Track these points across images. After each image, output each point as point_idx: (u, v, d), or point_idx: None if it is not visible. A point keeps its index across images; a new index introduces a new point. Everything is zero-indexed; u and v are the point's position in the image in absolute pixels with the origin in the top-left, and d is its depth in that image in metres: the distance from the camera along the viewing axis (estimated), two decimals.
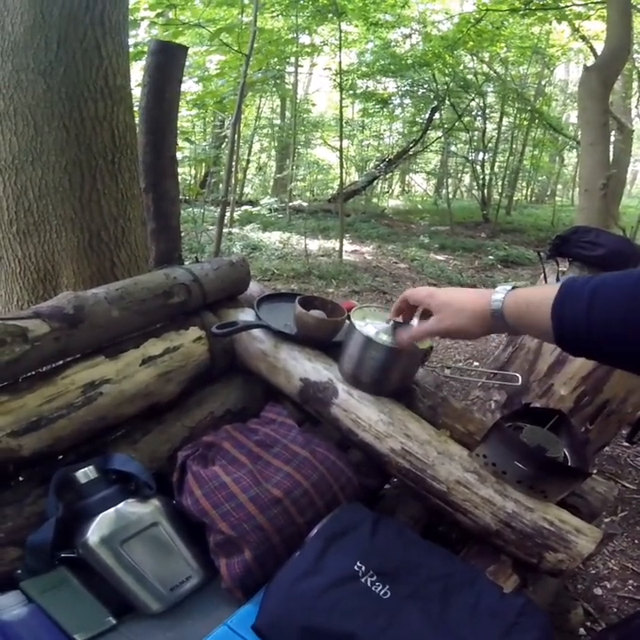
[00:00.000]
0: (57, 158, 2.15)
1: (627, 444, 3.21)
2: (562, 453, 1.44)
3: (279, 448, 1.54)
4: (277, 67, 11.42)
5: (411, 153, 15.64)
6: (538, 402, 2.06)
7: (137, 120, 2.34)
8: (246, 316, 1.87)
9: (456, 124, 13.89)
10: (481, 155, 15.00)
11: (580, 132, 7.89)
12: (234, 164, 9.27)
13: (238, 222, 10.97)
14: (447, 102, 13.21)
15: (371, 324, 1.51)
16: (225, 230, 8.25)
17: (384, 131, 18.27)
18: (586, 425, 2.13)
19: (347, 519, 1.37)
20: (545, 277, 2.39)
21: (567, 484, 1.40)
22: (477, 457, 1.44)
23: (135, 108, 2.37)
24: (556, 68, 16.90)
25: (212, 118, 13.63)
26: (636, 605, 2.21)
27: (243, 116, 13.10)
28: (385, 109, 14.98)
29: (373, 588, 1.22)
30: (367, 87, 14.46)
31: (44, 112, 2.11)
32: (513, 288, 1.06)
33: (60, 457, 1.51)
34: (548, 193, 22.75)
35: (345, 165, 13.51)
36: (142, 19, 5.20)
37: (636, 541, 2.57)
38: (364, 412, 1.53)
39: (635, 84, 12.53)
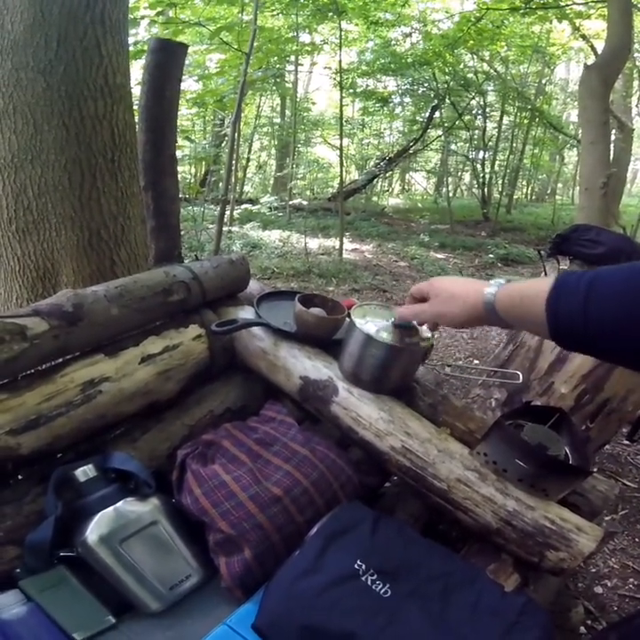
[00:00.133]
0: (56, 156, 2.15)
1: (627, 442, 3.20)
2: (563, 452, 1.44)
3: (279, 446, 1.54)
4: (277, 65, 11.41)
5: (411, 151, 15.63)
6: (538, 400, 2.06)
7: (137, 118, 2.34)
8: (246, 313, 1.87)
9: (456, 122, 13.89)
10: (481, 153, 15.01)
11: (580, 131, 7.89)
12: (234, 162, 9.26)
13: (238, 221, 10.97)
14: (447, 101, 13.21)
15: (371, 322, 1.51)
16: (225, 229, 8.24)
17: (384, 129, 18.26)
18: (586, 423, 2.13)
19: (347, 518, 1.37)
20: (545, 275, 2.39)
21: (568, 483, 1.40)
22: (478, 455, 1.44)
23: (135, 107, 2.37)
24: (557, 66, 16.88)
25: (212, 117, 13.64)
26: (636, 604, 2.21)
27: (243, 115, 13.09)
28: (385, 108, 14.98)
29: (374, 587, 1.21)
30: (367, 86, 14.47)
31: (43, 110, 2.10)
32: (508, 282, 1.06)
33: (59, 455, 1.50)
34: (549, 191, 22.74)
35: (345, 164, 13.50)
36: (142, 17, 5.20)
37: (637, 540, 2.56)
38: (364, 410, 1.53)
39: (635, 83, 12.52)
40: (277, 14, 10.40)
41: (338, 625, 1.14)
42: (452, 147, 15.85)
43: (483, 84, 13.24)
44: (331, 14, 9.21)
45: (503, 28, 11.29)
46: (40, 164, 2.15)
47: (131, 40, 4.77)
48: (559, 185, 22.10)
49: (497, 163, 15.18)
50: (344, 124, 10.65)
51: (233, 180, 10.69)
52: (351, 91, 13.55)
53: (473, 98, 13.66)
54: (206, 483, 1.41)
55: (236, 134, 7.96)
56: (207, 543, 1.41)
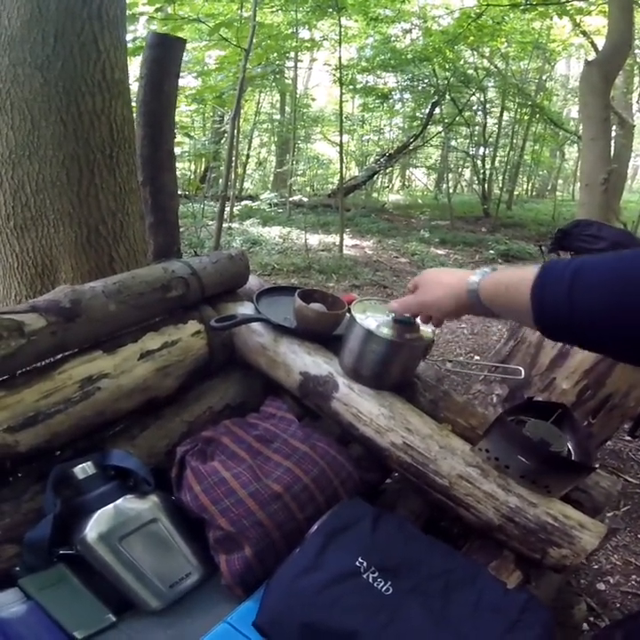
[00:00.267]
0: (54, 152, 2.14)
1: (629, 438, 3.20)
2: (565, 448, 1.43)
3: (279, 443, 1.53)
4: (277, 62, 11.38)
5: (411, 148, 15.63)
6: (540, 396, 2.05)
7: (135, 114, 2.33)
8: (245, 309, 1.86)
9: (456, 118, 13.86)
10: (481, 149, 14.98)
11: (580, 127, 7.88)
12: (233, 159, 9.26)
13: (238, 217, 10.96)
14: (447, 97, 13.18)
15: (371, 317, 1.50)
16: (225, 225, 8.23)
17: (384, 125, 18.24)
18: (588, 419, 2.12)
19: (347, 515, 1.36)
20: None
21: (571, 479, 1.39)
22: (480, 451, 1.43)
23: (133, 104, 2.36)
24: (557, 63, 16.86)
25: (211, 113, 13.60)
26: (639, 601, 2.20)
27: (242, 111, 13.08)
28: (385, 104, 14.96)
29: (375, 585, 1.20)
30: (367, 82, 14.45)
31: (41, 106, 2.09)
32: (493, 270, 1.05)
33: (58, 453, 1.50)
34: (549, 188, 22.73)
35: (345, 160, 13.46)
36: (141, 14, 5.18)
37: (639, 536, 2.56)
38: (364, 406, 1.52)
39: (636, 79, 12.49)
40: (277, 10, 10.40)
41: (339, 622, 1.13)
42: (453, 143, 15.83)
43: (483, 80, 13.22)
44: (330, 10, 9.18)
45: (503, 25, 11.29)
46: (38, 160, 2.14)
47: (129, 37, 4.76)
48: (560, 181, 22.08)
49: (497, 159, 15.17)
50: (344, 120, 10.62)
51: (233, 176, 10.68)
52: (351, 87, 13.53)
53: (473, 94, 13.63)
54: (206, 480, 1.41)
55: (236, 131, 7.95)
56: (207, 540, 1.40)
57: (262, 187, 17.40)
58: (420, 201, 17.67)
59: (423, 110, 14.69)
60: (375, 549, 1.28)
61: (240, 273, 1.95)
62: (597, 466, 1.43)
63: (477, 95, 13.80)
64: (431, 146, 17.38)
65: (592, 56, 9.29)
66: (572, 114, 18.21)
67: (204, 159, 12.63)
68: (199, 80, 8.47)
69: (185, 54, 2.28)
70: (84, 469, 1.38)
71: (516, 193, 17.87)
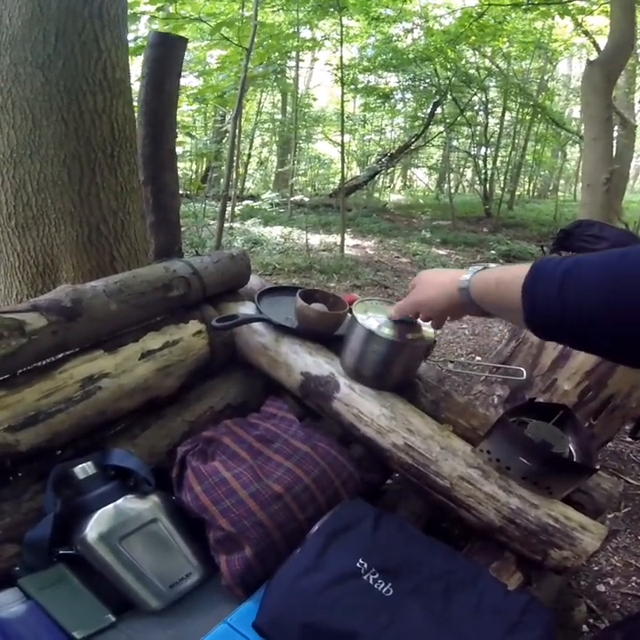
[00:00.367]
0: (56, 151, 2.14)
1: (630, 439, 3.19)
2: (567, 449, 1.43)
3: (280, 443, 1.53)
4: (278, 61, 11.38)
5: (412, 147, 15.60)
6: (541, 397, 2.05)
7: (136, 113, 2.33)
8: (247, 309, 1.85)
9: (458, 118, 13.84)
10: (483, 149, 14.95)
11: (582, 127, 7.88)
12: (235, 158, 9.25)
13: (239, 217, 10.96)
14: (449, 97, 13.16)
15: (373, 318, 1.49)
16: (226, 225, 8.23)
17: (385, 125, 18.22)
18: (590, 420, 2.12)
19: (348, 515, 1.36)
20: None
21: (573, 481, 1.38)
22: (481, 452, 1.43)
23: (135, 103, 2.35)
24: (559, 62, 16.85)
25: (212, 113, 13.60)
26: (639, 602, 2.19)
27: (244, 111, 13.07)
28: (386, 104, 14.93)
29: (375, 586, 1.20)
30: (368, 82, 14.43)
31: (42, 105, 2.09)
32: (484, 268, 1.05)
33: (59, 452, 1.50)
34: (551, 188, 22.70)
35: (346, 160, 13.46)
36: (142, 13, 5.18)
37: (639, 538, 2.56)
38: (365, 407, 1.52)
39: (638, 79, 12.48)
40: (278, 10, 10.38)
41: (339, 623, 1.13)
42: (454, 143, 15.82)
43: (485, 80, 13.21)
44: (332, 10, 9.17)
45: (505, 24, 11.28)
46: (39, 160, 2.13)
47: (131, 36, 4.77)
48: (561, 181, 22.05)
49: (499, 159, 15.16)
50: (345, 120, 10.62)
51: (234, 176, 10.67)
52: (352, 87, 13.51)
53: (475, 94, 13.61)
54: (206, 480, 1.40)
55: (237, 130, 7.95)
56: (207, 541, 1.40)
57: (264, 186, 17.39)
58: (421, 201, 17.66)
59: (425, 110, 14.67)
60: (376, 550, 1.28)
61: (241, 273, 1.95)
62: (599, 467, 1.43)
63: (479, 95, 13.79)
64: (433, 146, 17.35)
65: (594, 56, 9.28)
66: (573, 114, 18.23)
67: (205, 159, 12.61)
68: (201, 79, 8.47)
69: (186, 54, 2.28)
70: (84, 469, 1.38)
71: (517, 193, 17.84)
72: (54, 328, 1.43)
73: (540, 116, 14.25)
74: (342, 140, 9.58)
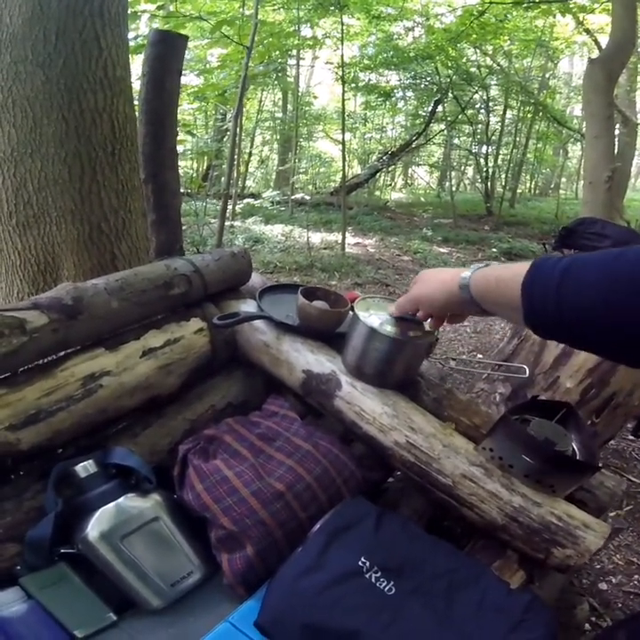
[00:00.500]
0: (56, 150, 2.14)
1: (632, 437, 3.19)
2: (570, 447, 1.42)
3: (281, 441, 1.52)
4: (279, 60, 11.37)
5: (414, 146, 15.60)
6: (543, 394, 2.04)
7: (137, 112, 2.32)
8: (248, 307, 1.85)
9: (459, 116, 13.84)
10: (484, 147, 14.93)
11: (584, 125, 7.87)
12: (236, 157, 9.25)
13: (240, 215, 10.97)
14: (450, 95, 13.15)
15: (374, 315, 1.49)
16: (227, 223, 8.24)
17: (386, 123, 18.21)
18: (592, 418, 2.12)
19: (350, 514, 1.36)
20: None
21: (576, 479, 1.38)
22: (484, 450, 1.42)
23: (135, 102, 2.35)
24: (560, 61, 16.83)
25: (213, 111, 13.60)
26: None
27: (244, 109, 13.08)
28: (387, 102, 14.91)
29: (377, 584, 1.20)
30: (369, 80, 14.42)
31: (42, 104, 2.09)
32: (486, 265, 1.04)
33: (60, 451, 1.49)
34: (552, 186, 22.68)
35: (347, 158, 13.47)
36: (143, 11, 5.18)
37: None
38: (367, 405, 1.51)
39: (639, 78, 12.49)
40: (279, 8, 10.37)
41: (341, 623, 1.12)
42: (455, 141, 15.81)
43: (486, 78, 13.19)
44: (332, 8, 9.18)
45: (506, 22, 11.27)
46: (40, 158, 2.13)
47: (131, 35, 4.76)
48: (563, 179, 22.05)
49: (500, 157, 15.14)
50: (346, 118, 10.63)
51: (235, 174, 10.66)
52: (353, 85, 13.49)
53: (476, 92, 13.60)
54: (208, 478, 1.40)
55: (238, 129, 7.96)
56: (209, 539, 1.39)
57: (264, 185, 17.42)
58: (422, 199, 17.67)
59: (426, 108, 14.67)
60: (378, 549, 1.27)
61: (243, 270, 1.94)
62: (601, 465, 1.42)
63: (480, 93, 13.77)
64: (434, 144, 17.35)
65: (595, 54, 9.28)
66: (575, 112, 18.19)
67: (206, 157, 12.63)
68: (201, 78, 8.47)
69: (187, 52, 2.27)
70: (85, 468, 1.37)
71: (518, 191, 17.84)
72: (55, 326, 1.42)
73: (541, 114, 14.24)
74: (343, 139, 9.58)
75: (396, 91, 14.55)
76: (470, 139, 15.55)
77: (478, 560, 1.37)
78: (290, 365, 1.67)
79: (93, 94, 2.15)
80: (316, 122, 16.26)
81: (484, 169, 14.57)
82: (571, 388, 2.10)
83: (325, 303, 1.70)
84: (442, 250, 9.41)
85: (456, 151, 17.06)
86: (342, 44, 9.08)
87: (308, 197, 11.63)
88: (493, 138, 14.69)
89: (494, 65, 13.34)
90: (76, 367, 1.48)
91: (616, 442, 3.20)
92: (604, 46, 7.74)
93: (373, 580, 1.21)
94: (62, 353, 1.52)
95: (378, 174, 16.20)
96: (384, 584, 1.20)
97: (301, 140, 15.49)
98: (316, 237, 9.46)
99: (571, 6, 10.06)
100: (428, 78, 13.35)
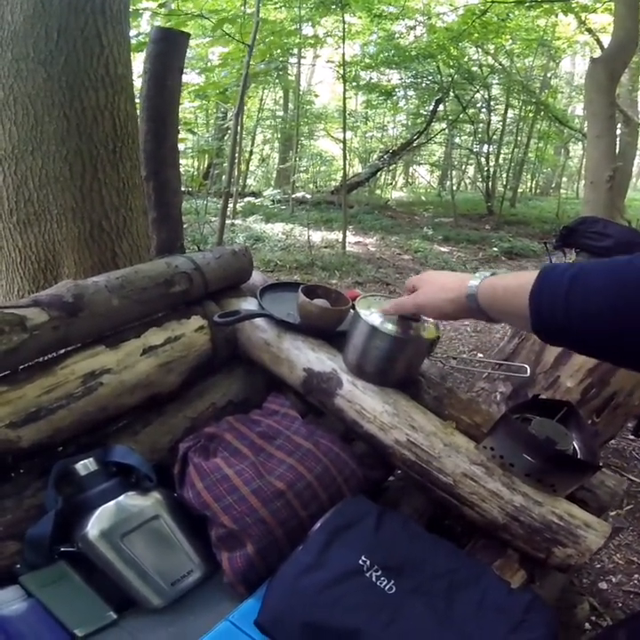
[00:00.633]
0: (57, 148, 2.13)
1: (632, 436, 3.19)
2: (571, 446, 1.42)
3: (282, 440, 1.52)
4: (280, 58, 11.37)
5: (415, 145, 15.60)
6: (544, 394, 2.04)
7: (138, 110, 2.32)
8: (249, 305, 1.84)
9: (460, 115, 13.84)
10: (485, 147, 14.94)
11: (585, 125, 7.87)
12: (237, 155, 9.25)
13: (241, 214, 10.98)
14: (452, 94, 13.15)
15: (375, 313, 1.48)
16: (228, 222, 8.24)
17: (388, 122, 18.21)
18: (593, 417, 2.11)
19: (351, 512, 1.35)
20: None
21: (577, 478, 1.38)
22: (484, 449, 1.42)
23: (137, 100, 2.35)
24: (562, 60, 16.83)
25: (214, 110, 13.60)
26: None
27: (245, 108, 13.07)
28: (389, 101, 14.92)
29: (378, 583, 1.20)
30: (371, 79, 14.42)
31: (44, 101, 2.09)
32: (492, 274, 1.04)
33: (60, 448, 1.49)
34: (553, 185, 22.70)
35: (348, 157, 13.48)
36: (145, 9, 5.18)
37: None
38: (368, 403, 1.51)
39: None
40: (280, 7, 10.38)
41: (341, 621, 1.12)
42: (456, 140, 15.82)
43: (487, 77, 13.20)
44: (334, 7, 9.18)
45: (508, 22, 11.28)
46: (41, 156, 2.13)
47: (133, 33, 4.76)
48: (564, 179, 22.07)
49: (501, 156, 15.15)
50: (347, 117, 10.63)
51: (236, 172, 10.67)
52: (354, 84, 13.50)
53: (477, 91, 13.60)
54: (208, 476, 1.40)
55: (239, 127, 7.95)
56: (209, 538, 1.39)
57: (265, 183, 17.42)
58: (423, 198, 17.67)
59: (427, 107, 14.68)
60: (379, 548, 1.27)
61: (243, 268, 1.94)
62: (602, 465, 1.42)
63: (482, 92, 13.78)
64: (435, 143, 17.35)
65: (597, 54, 9.28)
66: (576, 111, 18.20)
67: (207, 155, 12.63)
68: (202, 76, 8.47)
69: (188, 51, 2.28)
70: (85, 466, 1.37)
71: (519, 190, 17.85)
72: (56, 323, 1.42)
73: (542, 113, 14.25)
74: (344, 137, 9.59)
75: (397, 89, 14.55)
76: (471, 138, 15.57)
77: (479, 559, 1.37)
78: (290, 364, 1.67)
79: (95, 92, 2.15)
80: (317, 120, 16.25)
81: (485, 168, 14.58)
82: (571, 387, 2.10)
83: (326, 301, 1.70)
84: (442, 249, 9.42)
85: (457, 150, 17.06)
86: (344, 42, 9.08)
87: (308, 196, 11.64)
88: (494, 137, 14.69)
89: (496, 64, 13.35)
90: (76, 365, 1.47)
91: (616, 441, 3.20)
92: (606, 46, 7.73)
93: (374, 578, 1.20)
94: (63, 350, 1.52)
95: (379, 173, 16.19)
96: (384, 583, 1.20)
97: (302, 138, 15.49)
98: (317, 236, 9.46)
99: (573, 6, 10.07)
100: (430, 77, 13.36)
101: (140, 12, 5.07)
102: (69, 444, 1.50)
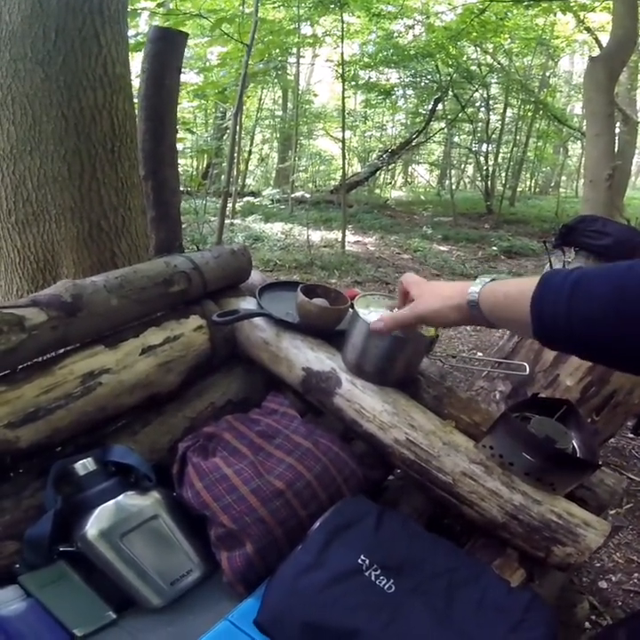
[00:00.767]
0: (56, 147, 2.13)
1: (632, 435, 3.19)
2: (571, 445, 1.42)
3: (281, 439, 1.52)
4: (279, 58, 11.39)
5: (414, 144, 15.61)
6: (543, 393, 2.04)
7: (137, 109, 2.32)
8: (248, 304, 1.84)
9: (459, 115, 13.86)
10: (484, 146, 14.96)
11: (584, 123, 7.87)
12: (235, 155, 9.25)
13: (240, 213, 10.98)
14: (450, 93, 13.17)
15: (374, 312, 1.48)
16: (227, 221, 8.24)
17: (387, 122, 18.24)
18: (592, 416, 2.11)
19: (350, 512, 1.35)
20: (551, 267, 2.37)
21: (576, 477, 1.38)
22: (484, 448, 1.42)
23: (135, 100, 2.35)
24: (561, 59, 16.84)
25: (213, 109, 13.61)
26: None
27: (244, 108, 13.09)
28: (388, 100, 14.93)
29: (377, 582, 1.19)
30: (369, 78, 14.43)
31: (42, 101, 2.09)
32: (492, 279, 1.04)
33: (59, 449, 1.48)
34: (552, 184, 22.72)
35: (347, 156, 13.48)
36: (143, 9, 5.17)
37: None
38: (367, 402, 1.51)
39: None
40: (279, 6, 10.37)
41: (340, 621, 1.12)
42: (455, 139, 15.85)
43: (486, 76, 13.21)
44: (332, 6, 9.18)
45: (507, 21, 11.29)
46: (39, 155, 2.13)
47: (131, 32, 4.76)
48: (563, 177, 22.09)
49: (500, 155, 15.17)
50: (346, 116, 10.64)
51: (235, 172, 10.67)
52: (353, 83, 13.50)
53: (476, 90, 13.62)
54: (207, 476, 1.40)
55: (238, 127, 7.95)
56: (208, 537, 1.39)
57: (264, 183, 17.43)
58: (422, 197, 17.67)
59: (426, 106, 14.68)
60: (378, 547, 1.27)
61: (242, 268, 1.94)
62: (601, 463, 1.42)
63: (480, 91, 13.79)
64: (434, 142, 17.38)
65: (596, 52, 9.27)
66: (575, 110, 18.23)
67: (206, 155, 12.62)
68: (201, 76, 8.47)
69: (187, 50, 2.27)
70: (84, 465, 1.37)
71: (519, 189, 17.86)
72: (54, 323, 1.42)
73: (541, 112, 14.25)
74: (343, 137, 9.60)
75: (396, 89, 14.57)
76: (470, 137, 15.59)
77: (478, 558, 1.36)
78: (289, 363, 1.66)
79: (93, 91, 2.15)
80: (316, 120, 16.27)
81: (484, 167, 14.58)
82: (571, 385, 2.10)
83: (325, 300, 1.69)
84: (442, 248, 9.42)
85: (456, 149, 17.08)
86: (342, 41, 9.10)
87: (307, 195, 11.65)
88: (493, 136, 14.71)
89: (495, 63, 13.36)
90: (75, 365, 1.47)
91: (616, 440, 3.20)
92: (604, 44, 7.73)
93: (373, 578, 1.20)
94: (61, 350, 1.51)
95: (378, 172, 16.20)
96: (384, 582, 1.20)
97: (301, 138, 15.51)
98: (316, 235, 9.46)
99: (571, 4, 10.08)
100: (429, 76, 13.38)
101: (139, 11, 5.07)
102: (68, 444, 1.49)
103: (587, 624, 1.99)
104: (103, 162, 2.22)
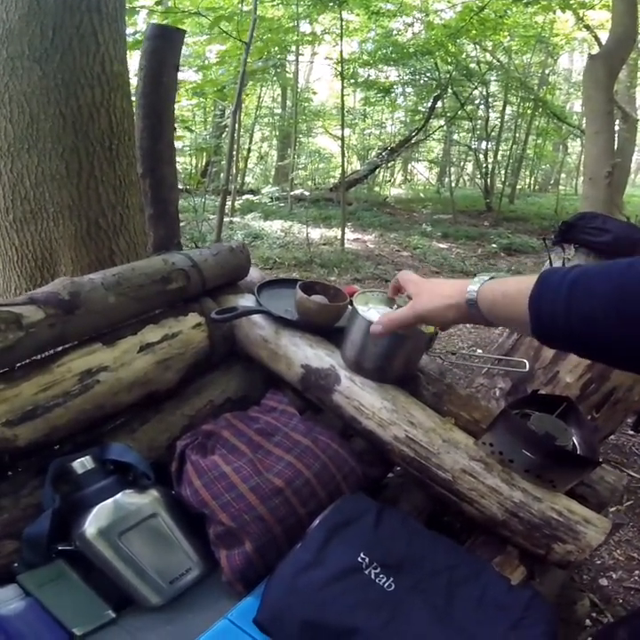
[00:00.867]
0: (53, 145, 2.12)
1: (632, 432, 3.19)
2: (571, 442, 1.41)
3: (280, 437, 1.51)
4: (278, 55, 11.38)
5: (413, 141, 15.60)
6: (543, 389, 2.04)
7: (135, 107, 2.31)
8: (246, 301, 1.84)
9: (459, 112, 13.85)
10: (484, 143, 14.96)
11: (584, 121, 7.87)
12: (234, 153, 9.24)
13: (239, 211, 10.98)
14: (450, 91, 13.16)
15: (373, 309, 1.48)
16: (226, 219, 8.24)
17: (386, 119, 18.24)
18: (592, 413, 2.11)
19: (350, 509, 1.35)
20: (551, 264, 2.37)
21: (576, 474, 1.37)
22: (484, 445, 1.41)
23: (133, 98, 2.34)
24: (560, 57, 16.83)
25: (212, 107, 13.61)
26: None
27: (243, 105, 13.08)
28: (387, 98, 14.93)
29: (377, 581, 1.19)
30: (369, 76, 14.44)
31: (39, 99, 2.08)
32: (491, 278, 1.03)
33: (57, 447, 1.48)
34: (552, 182, 22.72)
35: (347, 154, 13.48)
36: (141, 7, 5.17)
37: None
38: (367, 400, 1.50)
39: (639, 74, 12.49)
40: (277, 4, 10.36)
41: (340, 619, 1.11)
42: (455, 137, 15.85)
43: (485, 73, 13.20)
44: (331, 4, 9.17)
45: (506, 18, 11.28)
46: (37, 154, 2.12)
47: (130, 30, 4.75)
48: (562, 175, 22.09)
49: (500, 153, 15.17)
50: (345, 114, 10.64)
51: (234, 170, 10.67)
52: (352, 81, 13.51)
53: (475, 88, 13.62)
54: (206, 474, 1.39)
55: (237, 125, 7.94)
56: (207, 536, 1.39)
57: (264, 181, 17.41)
58: (422, 195, 17.68)
59: (425, 104, 14.68)
60: (378, 545, 1.26)
61: (241, 265, 1.93)
62: (601, 460, 1.42)
63: (480, 89, 13.79)
64: (433, 140, 17.37)
65: (595, 50, 9.27)
66: (574, 108, 18.23)
67: (205, 153, 12.63)
68: (200, 74, 8.47)
69: (186, 48, 2.27)
70: (82, 464, 1.36)
71: (518, 187, 17.85)
72: (52, 321, 1.41)
73: (541, 109, 14.25)
74: (342, 134, 9.59)
75: (395, 86, 14.58)
76: (470, 134, 15.59)
77: (478, 556, 1.36)
78: (288, 360, 1.66)
79: (91, 89, 2.14)
80: (316, 118, 16.28)
81: (484, 165, 14.58)
82: (570, 382, 2.09)
83: (324, 297, 1.69)
84: (441, 245, 9.42)
85: (455, 147, 17.10)
86: (341, 39, 9.10)
87: (307, 193, 11.67)
88: (493, 134, 14.70)
89: (494, 61, 13.36)
90: (72, 362, 1.47)
91: (616, 437, 3.20)
92: (604, 42, 7.72)
93: (373, 576, 1.20)
94: (59, 348, 1.51)
95: (377, 170, 16.21)
96: (383, 580, 1.19)
97: (300, 135, 15.52)
98: (316, 233, 9.46)
99: (571, 2, 10.07)
100: (428, 74, 13.39)
101: (137, 9, 5.07)
102: (66, 442, 1.49)
103: (587, 621, 1.98)
104: (101, 159, 2.21)
